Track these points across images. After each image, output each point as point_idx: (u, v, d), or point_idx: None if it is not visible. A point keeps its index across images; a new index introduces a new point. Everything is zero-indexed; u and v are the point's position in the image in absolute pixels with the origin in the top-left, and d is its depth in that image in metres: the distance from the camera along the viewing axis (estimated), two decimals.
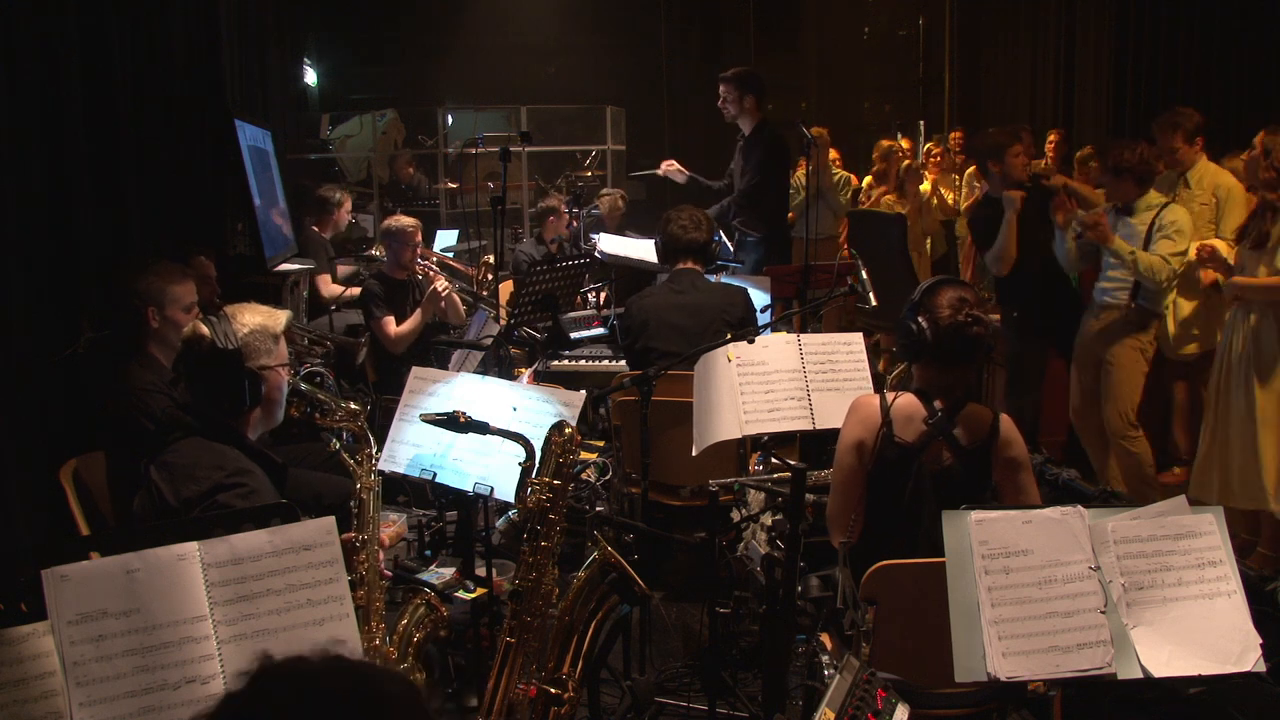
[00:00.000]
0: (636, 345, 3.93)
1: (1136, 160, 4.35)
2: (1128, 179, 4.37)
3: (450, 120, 9.87)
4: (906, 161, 7.82)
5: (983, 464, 2.53)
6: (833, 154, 8.24)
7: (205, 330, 2.39)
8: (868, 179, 8.29)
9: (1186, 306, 4.70)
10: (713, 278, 4.29)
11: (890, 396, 2.58)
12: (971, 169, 7.62)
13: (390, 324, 4.96)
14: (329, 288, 5.91)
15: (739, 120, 5.63)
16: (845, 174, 8.25)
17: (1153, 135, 4.79)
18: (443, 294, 4.98)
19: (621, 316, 4.11)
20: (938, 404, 2.54)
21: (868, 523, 2.57)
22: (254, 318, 2.48)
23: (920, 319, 2.52)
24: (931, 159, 8.24)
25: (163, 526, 2.22)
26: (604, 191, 7.37)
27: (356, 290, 5.35)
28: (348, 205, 6.37)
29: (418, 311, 5.00)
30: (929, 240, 7.93)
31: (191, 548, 1.72)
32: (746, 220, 5.60)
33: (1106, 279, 4.48)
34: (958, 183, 8.06)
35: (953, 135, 8.73)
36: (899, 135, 9.59)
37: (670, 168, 5.90)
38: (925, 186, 7.81)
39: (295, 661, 1.04)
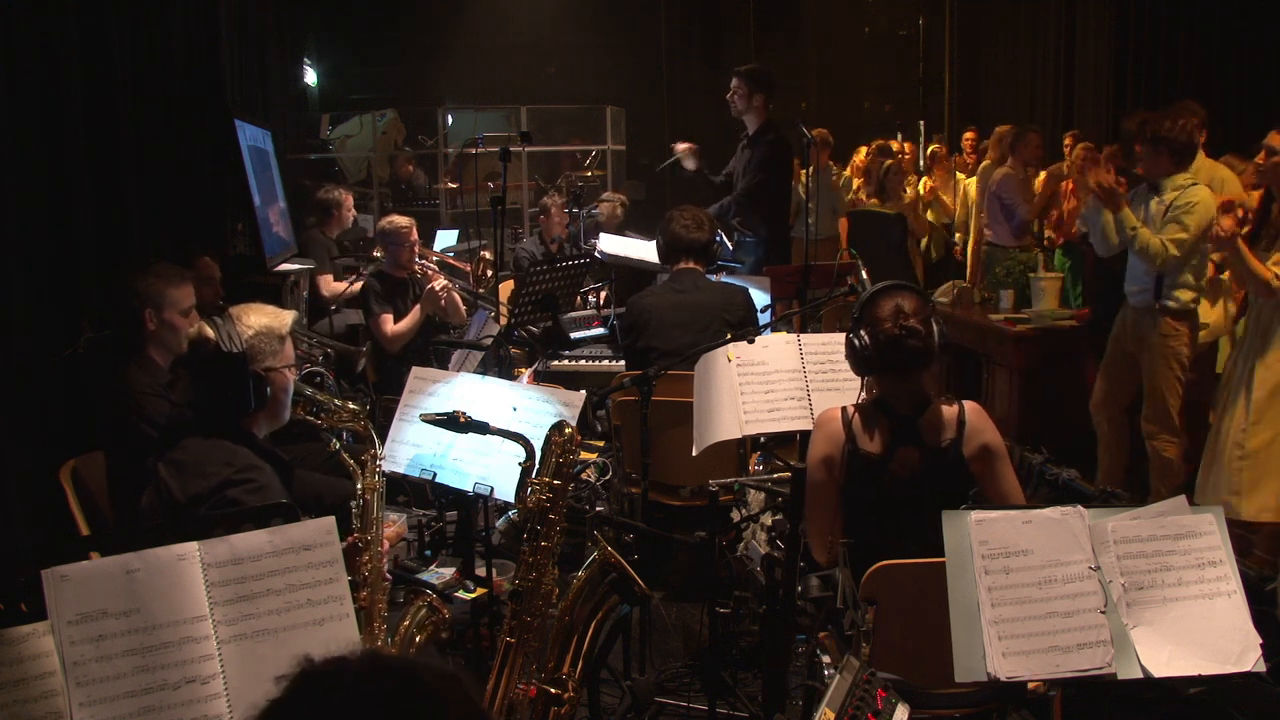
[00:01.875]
0: (637, 344, 3.93)
1: (1177, 131, 4.05)
2: (1164, 151, 4.07)
3: (450, 120, 9.88)
4: (889, 162, 7.81)
5: (955, 461, 2.50)
6: (863, 151, 8.25)
7: (210, 332, 2.39)
8: (857, 180, 8.29)
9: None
10: (713, 277, 4.29)
11: (851, 409, 2.56)
12: (986, 163, 7.54)
13: (387, 321, 4.95)
14: (330, 286, 5.90)
15: (745, 116, 5.63)
16: (846, 174, 8.25)
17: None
18: (440, 292, 4.96)
19: (622, 316, 4.11)
20: (898, 411, 2.52)
21: (847, 535, 2.55)
22: (259, 319, 2.48)
23: (862, 332, 2.51)
24: (939, 163, 8.22)
25: (163, 526, 2.22)
26: (604, 196, 7.36)
27: (358, 286, 5.35)
28: (349, 202, 6.37)
29: (415, 309, 4.99)
30: (924, 242, 7.89)
31: (191, 548, 1.72)
32: (746, 220, 5.59)
33: (1133, 278, 4.29)
34: (960, 183, 8.03)
35: (966, 135, 8.67)
36: (899, 135, 9.58)
37: (685, 149, 5.79)
38: (914, 190, 7.78)
39: (335, 662, 1.03)
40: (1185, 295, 4.15)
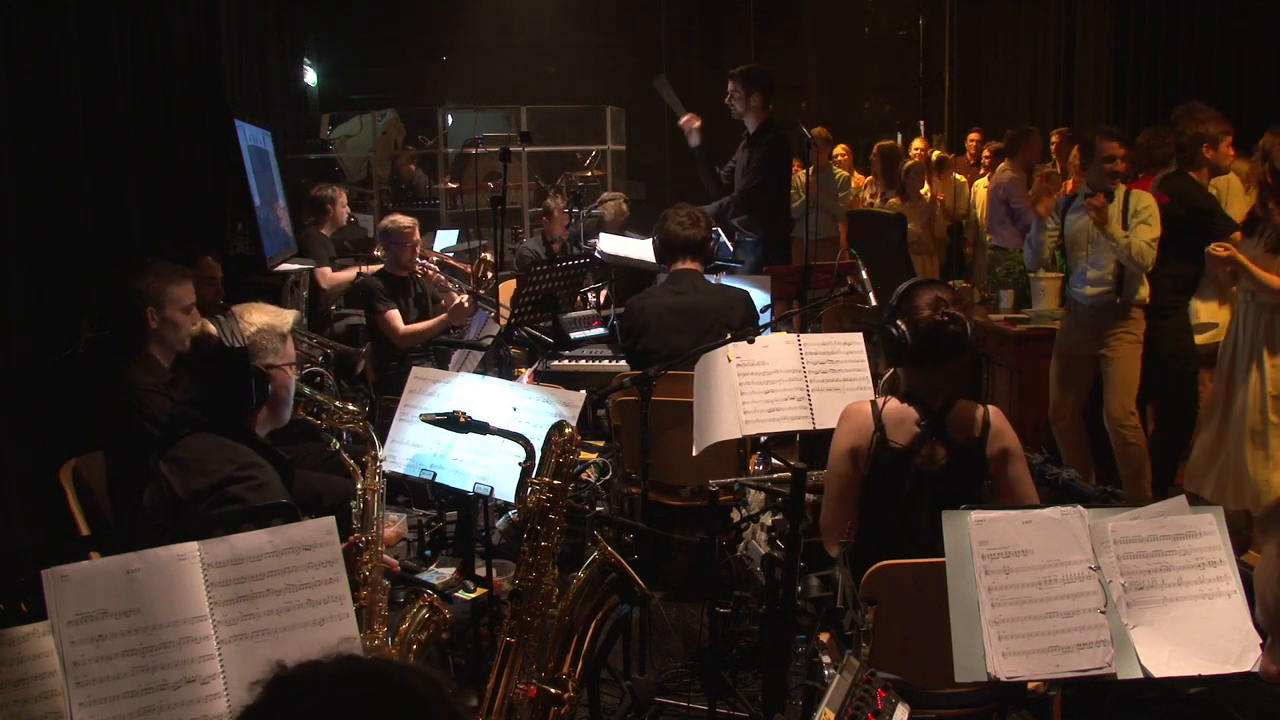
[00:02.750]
0: (637, 347, 3.93)
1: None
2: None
3: (450, 120, 9.88)
4: (910, 162, 7.77)
5: (977, 459, 2.53)
6: (842, 147, 8.18)
7: (213, 329, 2.41)
8: (867, 178, 8.25)
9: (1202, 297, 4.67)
10: (712, 278, 4.28)
11: (881, 401, 2.58)
12: (1002, 164, 7.51)
13: (395, 318, 4.95)
14: (328, 278, 5.87)
15: (745, 118, 5.61)
16: (845, 174, 8.23)
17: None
18: (468, 307, 4.99)
19: (622, 317, 4.10)
20: (928, 404, 2.54)
21: (864, 527, 2.57)
22: (261, 317, 2.49)
23: (899, 322, 2.53)
24: (944, 169, 8.21)
25: (163, 526, 2.23)
26: (607, 196, 7.32)
27: (353, 272, 5.37)
28: (343, 199, 6.37)
29: (441, 316, 5.01)
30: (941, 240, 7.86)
31: (191, 548, 1.72)
32: (745, 221, 5.59)
33: (1089, 280, 4.43)
34: (961, 185, 8.01)
35: (971, 136, 8.63)
36: (899, 135, 9.56)
37: (692, 124, 5.71)
38: (925, 190, 7.76)
39: (309, 666, 1.02)
40: (1144, 289, 4.38)
